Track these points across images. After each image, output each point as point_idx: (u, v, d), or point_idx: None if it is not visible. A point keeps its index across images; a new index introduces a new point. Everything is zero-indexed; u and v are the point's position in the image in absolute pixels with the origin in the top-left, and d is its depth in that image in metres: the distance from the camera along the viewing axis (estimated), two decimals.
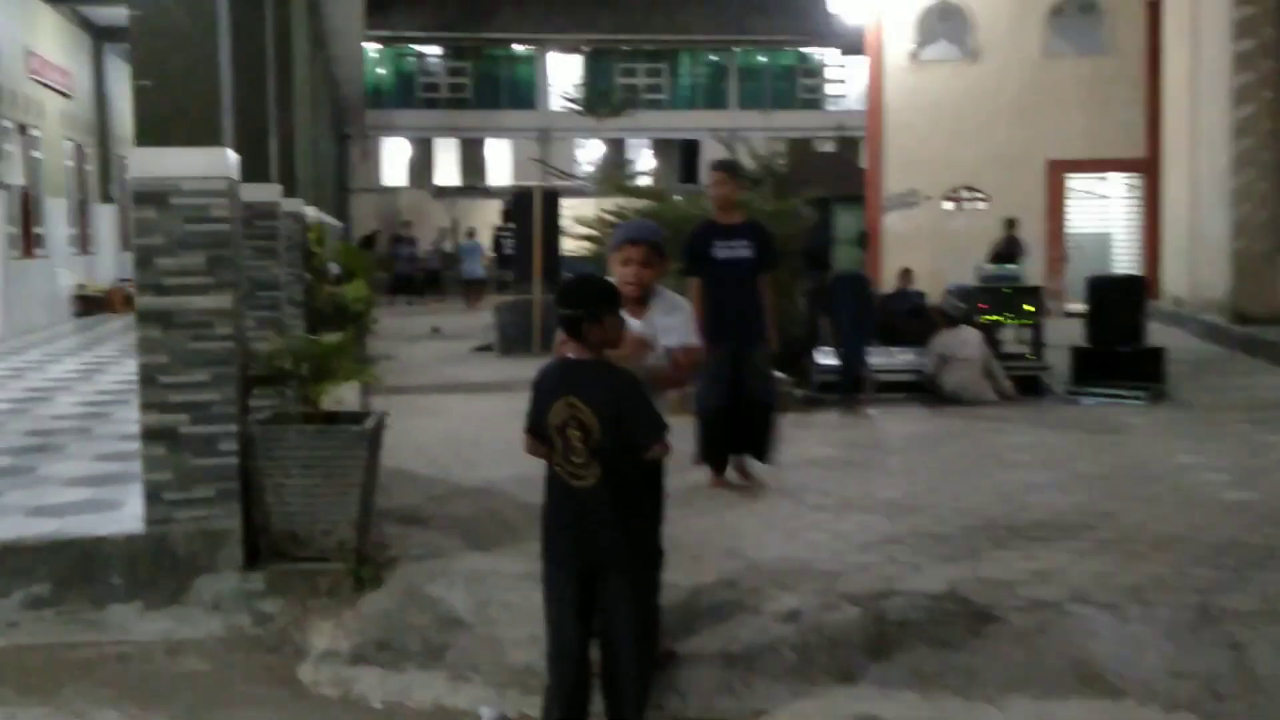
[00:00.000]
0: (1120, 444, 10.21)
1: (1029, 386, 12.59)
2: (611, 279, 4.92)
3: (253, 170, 10.05)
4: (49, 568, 6.33)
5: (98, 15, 22.76)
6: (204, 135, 6.40)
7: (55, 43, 21.43)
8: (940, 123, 20.55)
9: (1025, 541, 6.97)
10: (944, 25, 20.99)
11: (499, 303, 18.11)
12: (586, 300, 4.47)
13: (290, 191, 13.75)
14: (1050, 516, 7.56)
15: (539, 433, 4.51)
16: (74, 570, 6.35)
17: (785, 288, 12.52)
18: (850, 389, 12.07)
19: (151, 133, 6.38)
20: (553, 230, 18.13)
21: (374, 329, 14.83)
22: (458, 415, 12.17)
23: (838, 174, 19.07)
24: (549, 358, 4.71)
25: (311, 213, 16.40)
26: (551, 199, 18.24)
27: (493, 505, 8.19)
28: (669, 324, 5.12)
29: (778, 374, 12.57)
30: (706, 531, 7.28)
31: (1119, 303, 12.54)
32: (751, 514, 7.88)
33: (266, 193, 10.28)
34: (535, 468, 4.72)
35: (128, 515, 6.70)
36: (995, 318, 12.88)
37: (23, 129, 19.50)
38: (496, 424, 11.50)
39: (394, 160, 45.96)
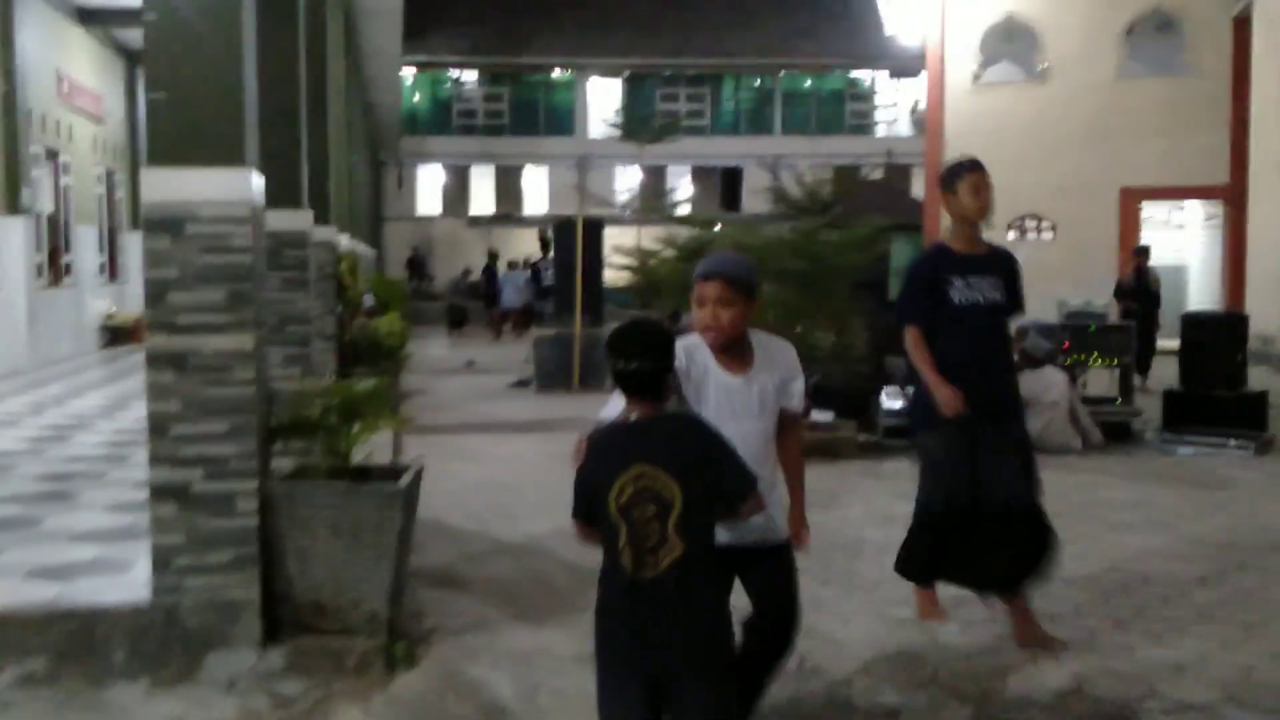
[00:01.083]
0: (1232, 501, 9.35)
1: (1118, 434, 11.72)
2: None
3: (282, 195, 9.37)
4: (45, 641, 5.60)
5: (130, 38, 22.23)
6: (225, 154, 5.66)
7: (87, 66, 20.88)
8: (1004, 148, 19.68)
9: (1153, 623, 6.14)
10: (1009, 45, 20.18)
11: (537, 336, 17.36)
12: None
13: (323, 219, 13.07)
14: (1175, 591, 6.73)
15: (594, 518, 3.75)
16: (73, 644, 5.61)
17: (846, 323, 11.72)
18: None
19: (165, 152, 5.65)
20: (596, 260, 17.38)
21: (407, 363, 14.12)
22: (494, 459, 11.43)
23: (887, 202, 18.31)
24: (595, 423, 3.93)
25: (345, 241, 15.72)
26: (595, 228, 17.51)
27: (537, 566, 7.47)
28: (785, 381, 4.42)
29: (831, 416, 11.82)
30: None
31: (1217, 343, 11.63)
32: (825, 583, 7.08)
33: (297, 220, 9.57)
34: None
35: (135, 580, 5.96)
36: (1081, 358, 12.00)
37: (52, 154, 18.93)
38: (536, 469, 10.76)
39: (429, 188, 45.42)
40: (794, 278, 11.31)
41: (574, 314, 16.95)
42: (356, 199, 25.87)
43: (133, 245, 23.31)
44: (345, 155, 18.17)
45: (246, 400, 5.66)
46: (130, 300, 22.56)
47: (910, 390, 11.73)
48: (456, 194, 45.37)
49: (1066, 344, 12.02)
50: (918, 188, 37.58)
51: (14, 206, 16.45)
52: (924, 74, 42.34)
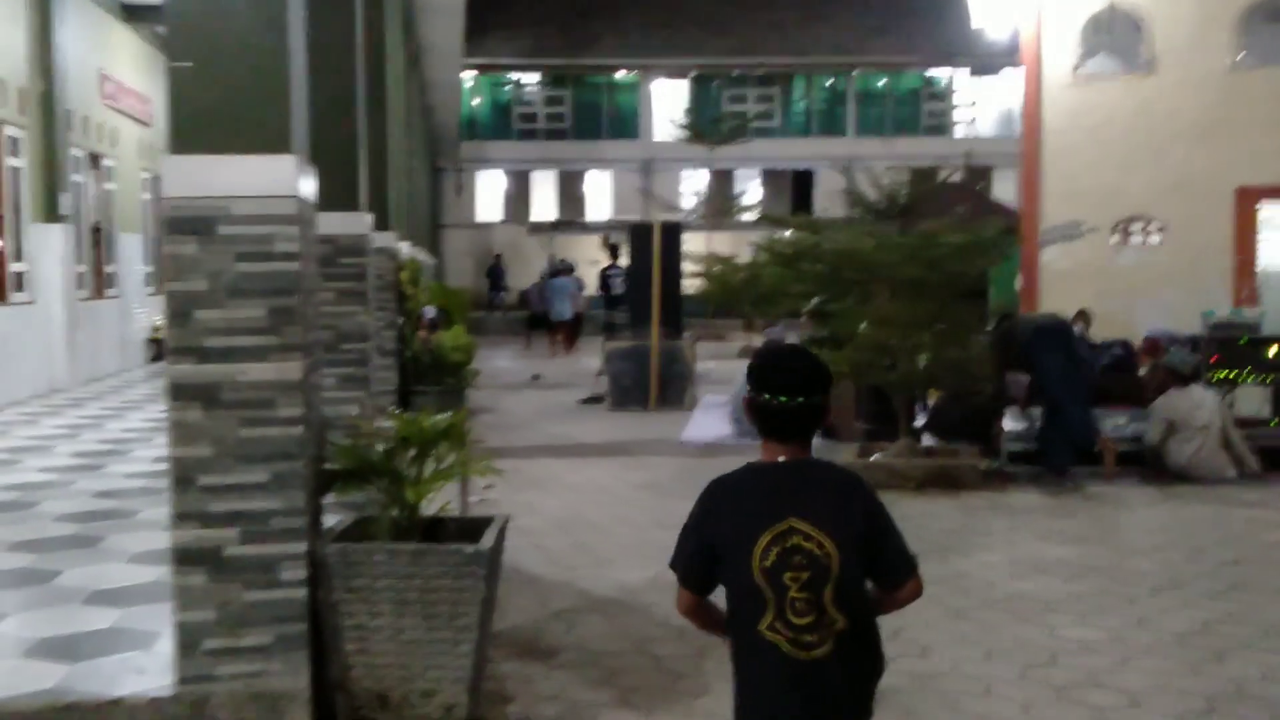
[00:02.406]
0: None
1: (1276, 460, 10.40)
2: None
3: (338, 196, 8.33)
4: None
5: None
6: (266, 139, 4.56)
7: (132, 66, 19.93)
8: (1107, 145, 18.36)
9: None
10: (1112, 35, 18.81)
11: (610, 349, 16.20)
12: (823, 382, 3.09)
13: (382, 223, 12.03)
14: None
15: (709, 585, 3.10)
16: None
17: (966, 337, 10.49)
18: (1066, 462, 9.99)
19: (192, 136, 4.56)
20: (674, 267, 16.21)
21: (474, 382, 13.02)
22: (572, 488, 10.27)
23: (967, 205, 17.07)
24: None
25: (406, 248, 14.67)
26: (673, 232, 16.33)
27: (637, 629, 6.33)
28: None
29: (954, 441, 10.60)
30: (919, 680, 5.34)
31: None
32: (990, 656, 5.88)
33: (354, 223, 8.48)
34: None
35: (158, 661, 4.86)
36: (1231, 374, 10.69)
37: (95, 159, 17.98)
38: (619, 501, 9.62)
39: (489, 194, 44.47)
40: (907, 287, 10.10)
41: (650, 325, 15.79)
42: (416, 205, 24.94)
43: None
44: (405, 157, 17.15)
45: (292, 442, 4.57)
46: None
47: (1035, 412, 10.62)
48: (517, 200, 44.36)
49: (1215, 357, 10.72)
50: (1000, 189, 36.29)
51: (52, 213, 15.48)
52: (1006, 71, 41.60)
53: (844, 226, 11.18)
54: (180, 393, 4.50)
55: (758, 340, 25.51)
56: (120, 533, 7.22)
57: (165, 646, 4.86)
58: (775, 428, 3.06)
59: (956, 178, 33.79)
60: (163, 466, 9.35)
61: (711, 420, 14.34)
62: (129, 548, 6.86)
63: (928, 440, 10.95)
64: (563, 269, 25.81)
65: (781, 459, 3.06)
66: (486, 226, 43.22)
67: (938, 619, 6.38)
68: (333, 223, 8.28)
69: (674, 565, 3.17)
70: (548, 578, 7.41)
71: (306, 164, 4.75)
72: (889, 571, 3.06)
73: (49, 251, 15.33)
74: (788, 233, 31.52)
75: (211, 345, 4.49)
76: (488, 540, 4.84)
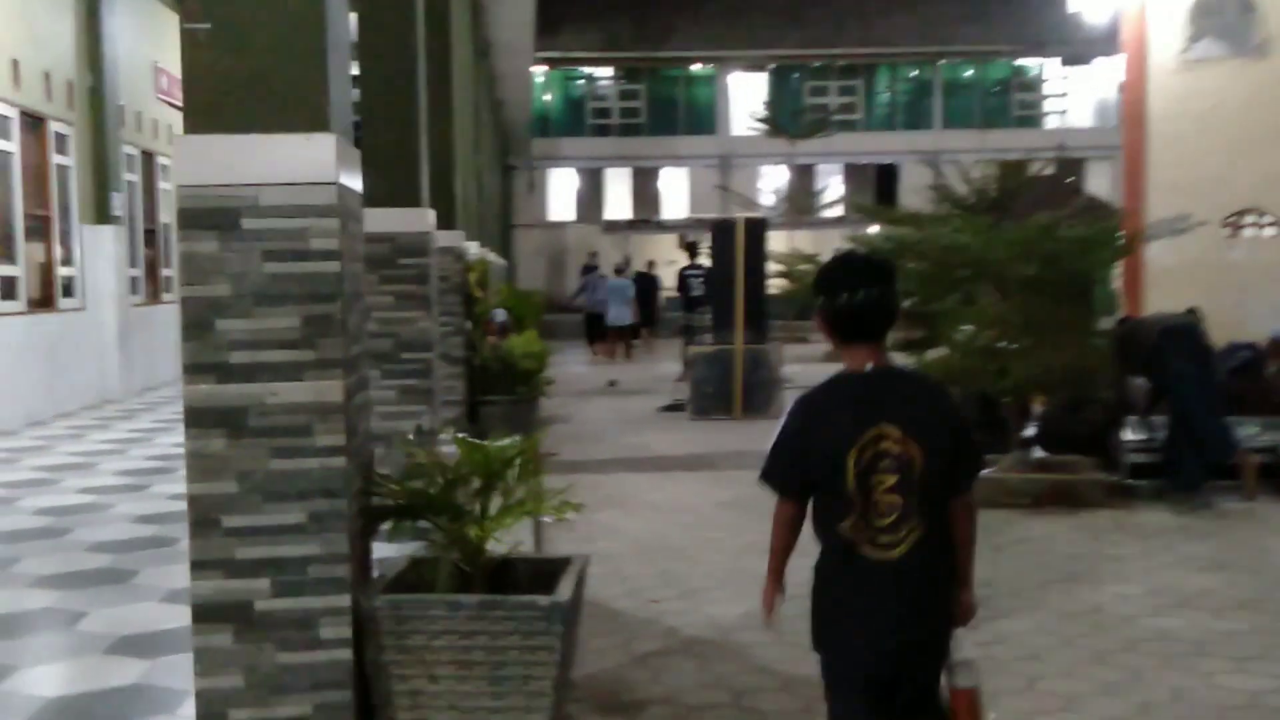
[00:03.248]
0: None
1: None
2: None
3: (398, 191, 7.65)
4: None
5: None
6: (297, 114, 3.82)
7: None
8: (1217, 133, 17.24)
9: None
10: (1222, 16, 17.76)
11: (691, 354, 15.38)
12: (888, 275, 3.29)
13: (447, 221, 11.33)
14: None
15: (808, 490, 3.32)
16: None
17: (1080, 340, 9.59)
18: (1198, 477, 9.06)
19: (209, 112, 3.83)
20: (758, 267, 15.37)
21: (548, 391, 12.29)
22: (653, 507, 9.47)
23: (1061, 199, 16.10)
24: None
25: (474, 249, 13.97)
26: (757, 229, 15.48)
27: (734, 677, 5.55)
28: None
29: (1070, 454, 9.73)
30: None
31: None
32: (1146, 711, 5.04)
33: (415, 220, 7.76)
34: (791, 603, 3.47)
35: None
36: None
37: (149, 156, 17.44)
38: (706, 522, 8.82)
39: (561, 192, 43.83)
40: (1020, 285, 9.22)
41: (734, 329, 14.98)
42: (485, 203, 24.32)
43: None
44: (473, 151, 16.47)
45: (333, 475, 3.84)
46: None
47: (1157, 420, 9.72)
48: (590, 198, 43.66)
49: None
50: (1095, 182, 35.12)
51: (103, 214, 14.92)
52: (1100, 59, 40.40)
53: (948, 221, 10.29)
54: (199, 418, 3.78)
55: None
56: (157, 565, 6.55)
57: (191, 711, 4.15)
58: (855, 329, 3.22)
59: (1048, 171, 32.70)
60: None
61: None
62: (164, 584, 6.18)
63: (1038, 452, 10.08)
64: (688, 268, 25.00)
65: (868, 367, 3.22)
66: (559, 226, 42.55)
67: (1077, 664, 5.56)
68: (391, 220, 7.62)
69: (768, 477, 3.42)
70: (630, 613, 6.64)
71: (349, 146, 4.01)
72: (965, 470, 3.28)
73: (100, 255, 14.78)
74: (873, 229, 30.63)
75: (236, 361, 3.77)
76: (565, 589, 4.09)
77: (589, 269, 27.02)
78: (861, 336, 3.24)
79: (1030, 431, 10.27)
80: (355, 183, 4.12)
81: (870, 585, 3.21)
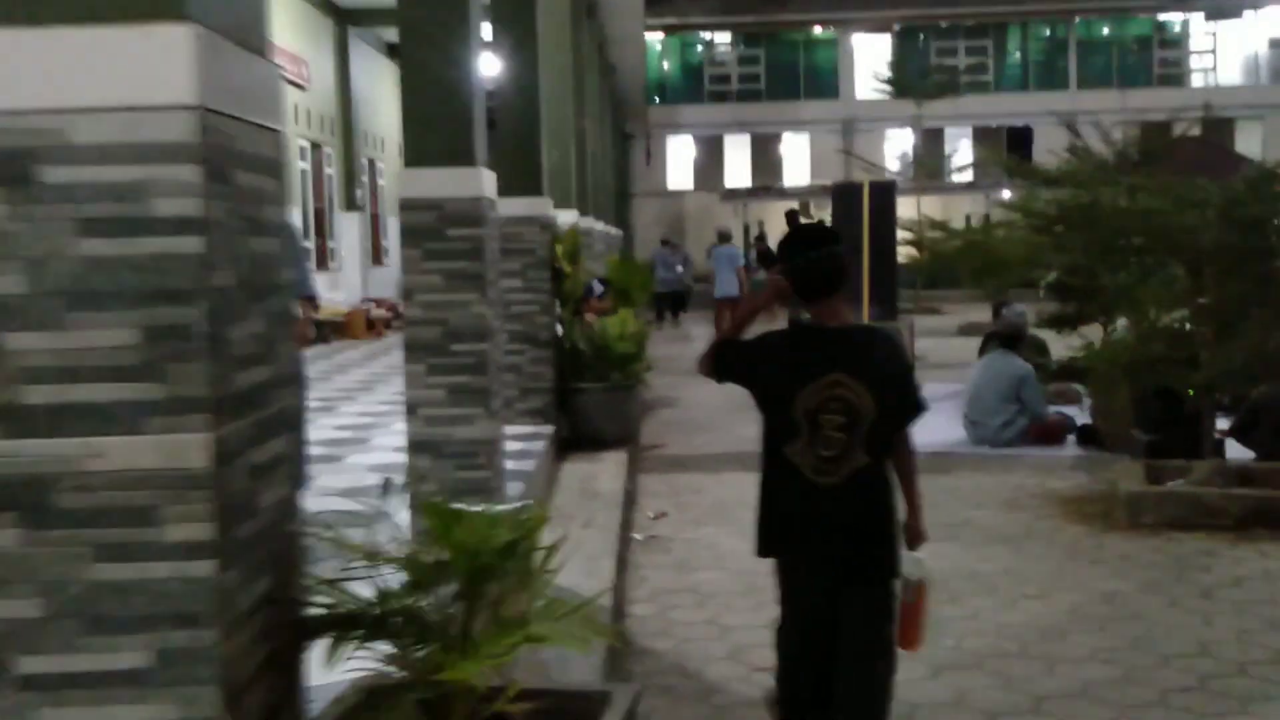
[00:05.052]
0: None
1: None
2: None
3: (443, 148, 6.23)
4: None
5: None
6: None
7: (285, 24, 18.09)
8: None
9: None
10: None
11: None
12: (834, 238, 3.92)
13: (533, 188, 9.87)
14: None
15: (732, 377, 3.94)
16: None
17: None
18: None
19: None
20: (887, 235, 13.65)
21: (647, 379, 10.70)
22: None
23: (1208, 162, 14.14)
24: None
25: (570, 218, 12.48)
26: (885, 193, 13.76)
27: None
28: None
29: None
30: None
31: None
32: None
33: (467, 183, 6.22)
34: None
35: None
36: None
37: (372, 163, 16.35)
38: None
39: (679, 161, 42.21)
40: (1218, 256, 7.44)
41: (859, 305, 13.30)
42: (597, 172, 22.88)
43: (346, 228, 20.68)
44: (571, 112, 14.96)
45: (195, 591, 2.32)
46: (344, 290, 19.92)
47: None
48: (709, 166, 41.99)
49: None
50: (1245, 143, 32.68)
51: (351, 203, 13.76)
52: (1249, 13, 37.83)
53: (1115, 182, 8.51)
54: None
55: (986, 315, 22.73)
56: None
57: None
58: (815, 285, 3.79)
59: (1194, 132, 30.28)
60: None
61: (937, 420, 11.76)
62: None
63: (1230, 451, 8.36)
64: (724, 235, 24.11)
65: (832, 325, 3.80)
66: (677, 195, 40.97)
67: None
68: (435, 182, 6.15)
69: (712, 372, 3.97)
70: (733, 688, 5.09)
71: (223, 41, 2.47)
72: (907, 414, 3.83)
73: (350, 235, 13.59)
74: (1005, 193, 28.49)
75: (33, 401, 2.27)
76: None
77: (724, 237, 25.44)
78: (819, 292, 3.79)
79: (1223, 424, 8.54)
80: (260, 107, 2.60)
81: (813, 504, 3.73)
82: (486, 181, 6.34)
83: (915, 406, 3.83)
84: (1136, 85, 38.12)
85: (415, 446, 6.12)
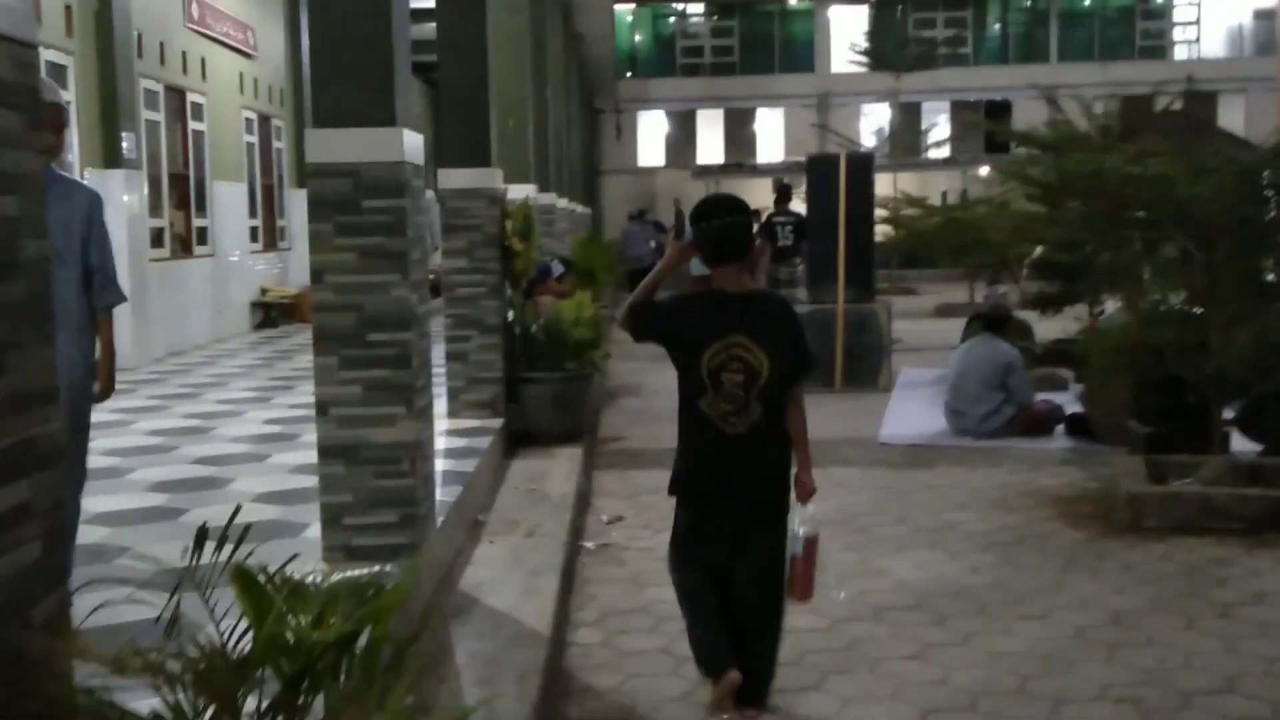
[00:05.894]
0: None
1: None
2: None
3: (358, 103, 5.43)
4: None
5: None
6: None
7: None
8: None
9: None
10: None
11: None
12: (743, 208, 4.37)
13: (481, 158, 9.08)
14: None
15: (650, 335, 4.39)
16: None
17: None
18: None
19: None
20: (864, 211, 12.88)
21: (606, 366, 9.87)
22: None
23: (1192, 136, 13.46)
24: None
25: (526, 194, 11.68)
26: (863, 167, 12.97)
27: None
28: None
29: None
30: None
31: None
32: None
33: (387, 145, 5.38)
34: None
35: None
36: None
37: (179, 94, 15.29)
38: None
39: (651, 137, 41.36)
40: (1231, 231, 6.70)
41: (835, 284, 12.55)
42: (561, 146, 22.06)
43: (297, 206, 19.77)
44: (529, 77, 14.18)
45: None
46: (294, 271, 19.03)
47: None
48: (681, 142, 41.15)
49: None
50: (1227, 117, 32.13)
51: (111, 157, 12.79)
52: None
53: (1116, 149, 7.77)
54: None
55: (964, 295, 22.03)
56: None
57: None
58: (718, 251, 4.27)
59: (1176, 106, 29.62)
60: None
61: (916, 408, 11.09)
62: None
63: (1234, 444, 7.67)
64: (776, 215, 23.03)
65: (734, 290, 4.29)
66: (648, 172, 40.14)
67: None
68: (348, 145, 5.34)
69: (633, 332, 4.47)
70: None
71: None
72: (800, 373, 4.30)
73: (107, 203, 12.63)
74: (984, 170, 27.84)
75: None
76: None
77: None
78: (725, 257, 4.29)
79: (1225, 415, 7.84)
80: None
81: (718, 453, 4.27)
82: (410, 145, 5.52)
83: (805, 365, 4.32)
84: (1118, 57, 37.44)
85: (327, 452, 5.31)
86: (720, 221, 4.22)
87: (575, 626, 5.41)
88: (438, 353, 6.82)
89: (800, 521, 4.29)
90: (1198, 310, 7.00)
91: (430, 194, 14.48)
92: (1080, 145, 8.35)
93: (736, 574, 4.29)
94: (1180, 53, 38.91)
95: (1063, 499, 7.67)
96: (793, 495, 4.34)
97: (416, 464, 5.35)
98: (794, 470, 4.34)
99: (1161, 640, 5.10)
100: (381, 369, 5.32)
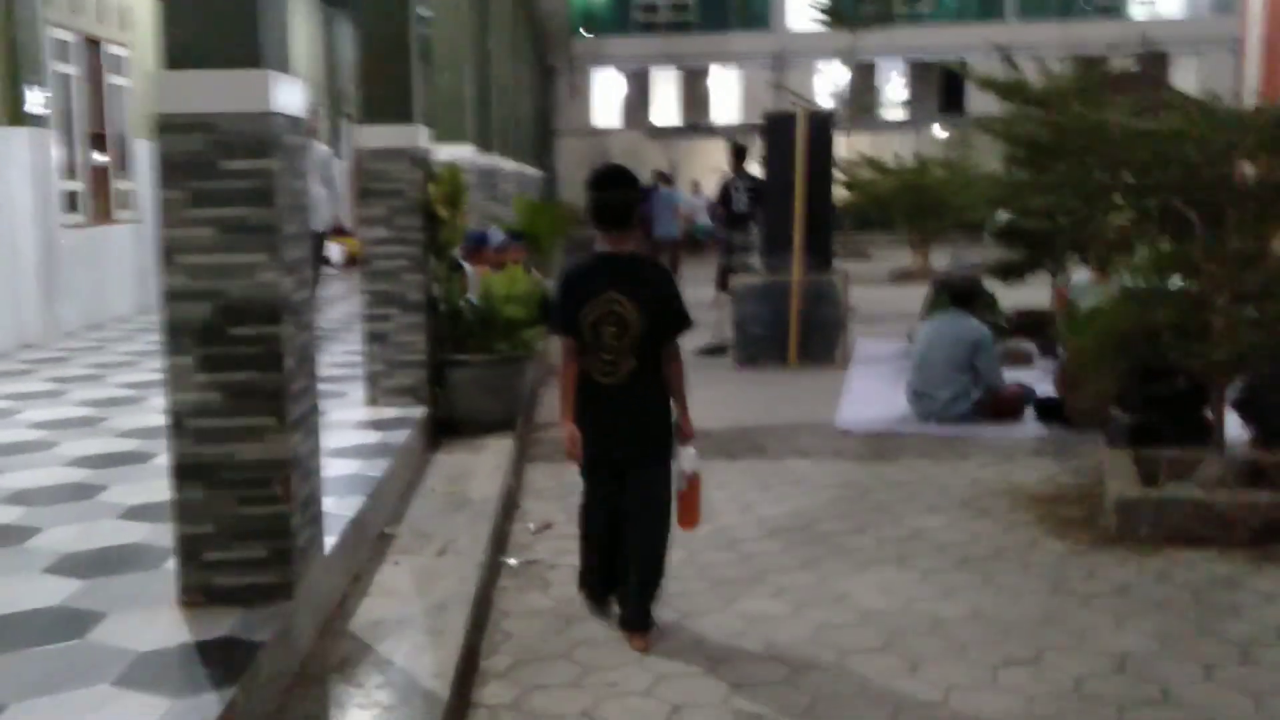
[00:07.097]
0: None
1: None
2: None
3: (211, 42, 4.45)
4: None
5: None
6: None
7: None
8: None
9: None
10: None
11: (736, 286, 12.07)
12: (631, 183, 4.78)
13: (402, 114, 8.14)
14: None
15: (570, 330, 4.71)
16: None
17: None
18: None
19: None
20: (823, 175, 12.02)
21: (540, 346, 8.95)
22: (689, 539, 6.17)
23: (1146, 99, 12.74)
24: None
25: (458, 154, 10.73)
26: (822, 126, 12.09)
27: None
28: None
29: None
30: None
31: None
32: None
33: (251, 93, 4.39)
34: None
35: None
36: None
37: (93, 44, 14.16)
38: (752, 568, 5.61)
39: (606, 97, 40.33)
40: (1253, 196, 5.87)
41: (792, 253, 11.69)
42: (510, 106, 21.12)
43: None
44: (468, 28, 13.24)
45: None
46: None
47: None
48: (637, 102, 40.15)
49: None
50: (1181, 78, 31.51)
51: (17, 114, 11.69)
52: None
53: (1106, 102, 6.92)
54: None
55: (925, 261, 21.24)
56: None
57: None
58: (608, 219, 4.71)
59: (1132, 67, 28.87)
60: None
61: (876, 388, 10.28)
62: None
63: (1232, 432, 6.88)
64: (732, 180, 21.47)
65: (615, 251, 4.73)
66: (604, 133, 39.12)
67: None
68: (202, 91, 4.36)
69: (554, 327, 4.94)
70: None
71: None
72: (672, 327, 4.75)
73: (10, 165, 11.53)
74: (939, 131, 27.01)
75: None
76: None
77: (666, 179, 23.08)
78: (609, 224, 4.72)
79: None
80: None
81: (601, 400, 4.73)
82: (283, 92, 4.54)
83: (680, 321, 4.76)
84: (1074, 17, 36.70)
85: (182, 472, 4.38)
86: (606, 194, 4.67)
87: (484, 679, 4.51)
88: (355, 334, 5.89)
89: (684, 461, 4.77)
90: (1198, 289, 6.17)
91: (325, 149, 13.43)
92: (1074, 95, 7.43)
93: (624, 505, 4.80)
94: (1137, 13, 38.31)
95: (1040, 499, 6.87)
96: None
97: (291, 486, 4.43)
98: (674, 417, 4.79)
99: (1178, 695, 4.25)
100: (246, 370, 4.33)
